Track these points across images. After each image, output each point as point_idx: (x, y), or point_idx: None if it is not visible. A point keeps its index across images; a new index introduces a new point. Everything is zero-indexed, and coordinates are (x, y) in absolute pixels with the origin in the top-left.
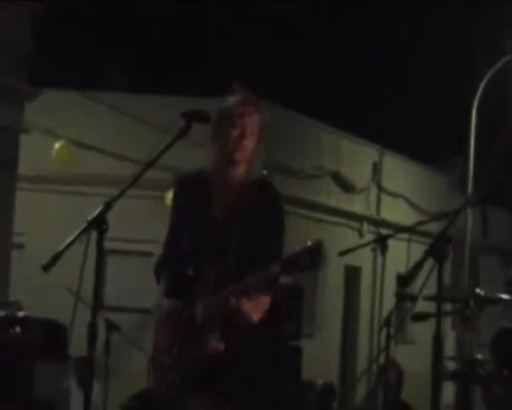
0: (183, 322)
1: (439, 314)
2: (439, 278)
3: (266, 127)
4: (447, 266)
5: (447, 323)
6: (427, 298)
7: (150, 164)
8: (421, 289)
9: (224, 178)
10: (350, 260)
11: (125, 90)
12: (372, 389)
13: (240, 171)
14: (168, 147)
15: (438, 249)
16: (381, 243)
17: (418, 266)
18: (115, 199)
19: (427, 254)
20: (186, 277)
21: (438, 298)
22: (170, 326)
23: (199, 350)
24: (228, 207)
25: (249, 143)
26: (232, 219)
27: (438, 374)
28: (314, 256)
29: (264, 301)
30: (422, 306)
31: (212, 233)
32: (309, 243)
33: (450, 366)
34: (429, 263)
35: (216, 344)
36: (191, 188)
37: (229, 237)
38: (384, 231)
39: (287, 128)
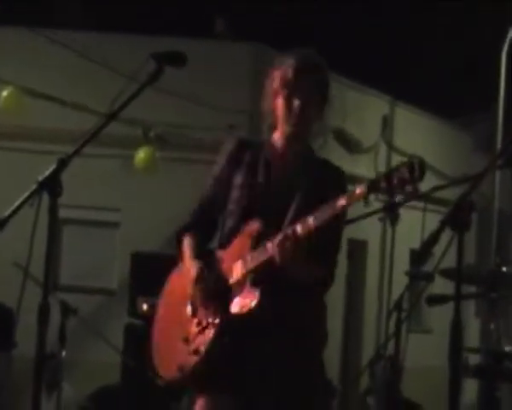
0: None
1: (458, 296)
2: (460, 253)
3: (329, 91)
4: (471, 239)
5: (470, 308)
6: (445, 273)
7: (113, 116)
8: (436, 266)
9: (289, 149)
10: (354, 232)
11: (84, 28)
12: (366, 388)
13: (300, 141)
14: (135, 96)
15: (457, 217)
16: (390, 212)
17: (434, 238)
18: (71, 156)
19: (444, 224)
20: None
21: (457, 276)
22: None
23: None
24: (288, 179)
25: (310, 112)
26: (292, 191)
27: (456, 368)
28: (414, 169)
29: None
30: (441, 287)
31: (269, 202)
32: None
33: (473, 359)
34: (448, 235)
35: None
36: (250, 154)
37: (287, 208)
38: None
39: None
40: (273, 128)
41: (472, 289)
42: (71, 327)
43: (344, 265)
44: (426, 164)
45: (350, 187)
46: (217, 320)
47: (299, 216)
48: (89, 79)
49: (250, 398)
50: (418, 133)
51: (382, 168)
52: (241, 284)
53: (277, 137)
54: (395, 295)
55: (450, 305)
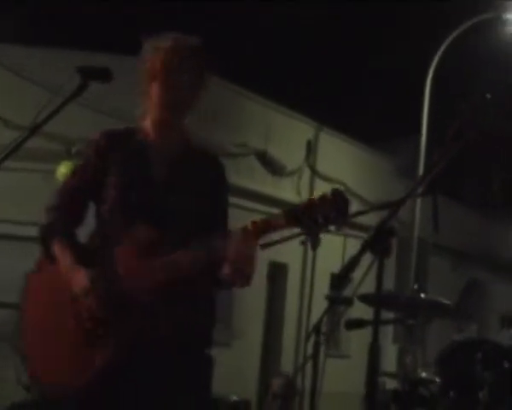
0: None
1: (377, 320)
2: (379, 277)
3: (208, 75)
4: (391, 265)
5: (389, 334)
6: (364, 298)
7: (35, 130)
8: (355, 291)
9: (161, 136)
10: (275, 255)
11: (6, 41)
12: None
13: (180, 128)
14: (58, 110)
15: (377, 242)
16: (311, 236)
17: (354, 261)
18: None
19: (364, 247)
20: (104, 237)
21: (376, 301)
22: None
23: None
24: (168, 169)
25: (186, 97)
26: (174, 181)
27: (372, 393)
28: (339, 204)
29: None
30: (361, 312)
31: (150, 194)
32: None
33: (390, 384)
34: (368, 261)
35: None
36: (121, 146)
37: (170, 200)
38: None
39: (205, 95)
40: (146, 115)
41: (390, 315)
42: None
43: (264, 287)
44: (348, 200)
45: (273, 210)
46: (110, 332)
47: (182, 216)
48: (10, 92)
49: None
50: (342, 159)
51: (305, 192)
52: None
53: (149, 124)
54: (314, 319)
55: (369, 331)
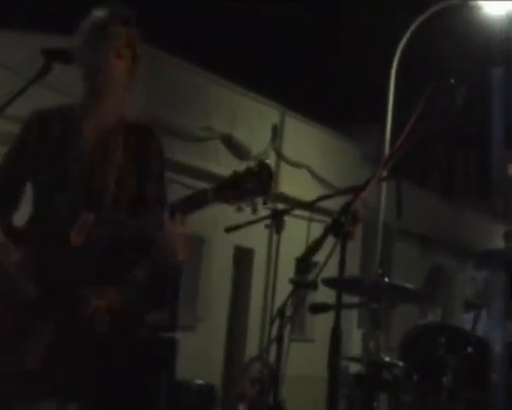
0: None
1: (338, 304)
2: (342, 261)
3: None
4: (356, 250)
5: (354, 319)
6: (327, 282)
7: None
8: (319, 274)
9: (95, 110)
10: (241, 240)
11: None
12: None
13: (115, 102)
14: (21, 92)
15: (340, 225)
16: (275, 219)
17: (316, 245)
18: None
19: (327, 231)
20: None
21: (338, 284)
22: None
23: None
24: (101, 145)
25: (123, 66)
26: (108, 158)
27: (334, 377)
28: (261, 176)
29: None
30: (326, 297)
31: (83, 173)
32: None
33: (355, 368)
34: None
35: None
36: (53, 125)
37: (105, 178)
38: (282, 207)
39: (169, 78)
40: (87, 89)
41: (355, 299)
42: None
43: (230, 271)
44: (272, 172)
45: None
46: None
47: (118, 194)
48: None
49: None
50: (307, 143)
51: None
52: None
53: (86, 98)
54: (279, 303)
55: (333, 315)
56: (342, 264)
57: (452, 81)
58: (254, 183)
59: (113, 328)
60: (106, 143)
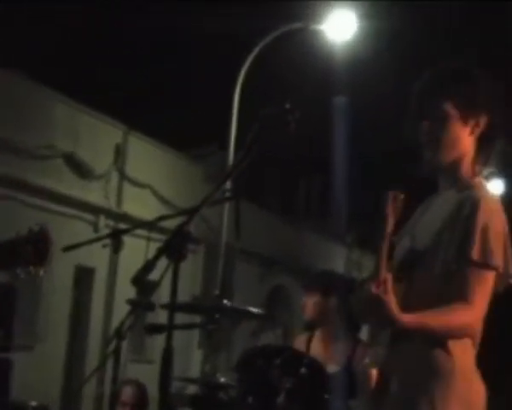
0: None
1: (170, 325)
2: (174, 282)
3: None
4: (199, 272)
5: (195, 339)
6: (162, 306)
7: None
8: (149, 294)
9: None
10: (82, 259)
11: None
12: None
13: None
14: None
15: (173, 246)
16: (113, 238)
17: (149, 265)
18: None
19: (159, 252)
20: None
21: (171, 305)
22: None
23: None
24: None
25: None
26: None
27: (165, 398)
28: (39, 245)
29: None
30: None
31: None
32: (33, 228)
33: (192, 389)
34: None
35: None
36: None
37: None
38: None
39: (8, 93)
40: None
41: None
42: None
43: (70, 291)
44: (49, 236)
45: (80, 213)
46: None
47: None
48: None
49: None
50: (151, 163)
51: (113, 196)
52: None
53: None
54: (117, 323)
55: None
56: (174, 285)
57: (287, 106)
58: (29, 251)
59: None
60: None
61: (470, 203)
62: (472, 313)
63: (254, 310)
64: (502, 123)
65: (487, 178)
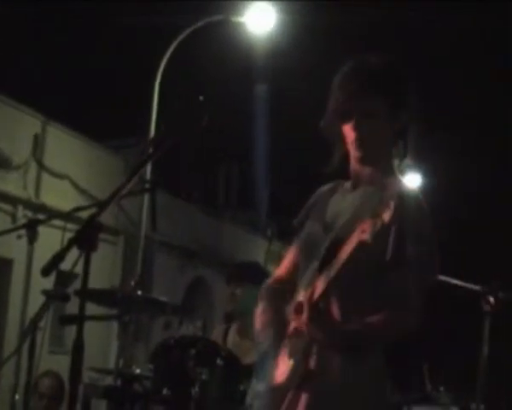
0: None
1: (81, 315)
2: (85, 272)
3: None
4: (118, 263)
5: (114, 331)
6: (77, 293)
7: None
8: (61, 284)
9: None
10: (0, 251)
11: None
12: None
13: None
14: None
15: (84, 237)
16: (29, 229)
17: (59, 256)
18: None
19: (70, 243)
20: None
21: (81, 295)
22: None
23: None
24: None
25: None
26: None
27: (75, 390)
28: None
29: None
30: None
31: None
32: None
33: (108, 380)
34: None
35: None
36: None
37: None
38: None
39: None
40: None
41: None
42: None
43: None
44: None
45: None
46: None
47: None
48: None
49: None
50: (70, 154)
51: (32, 186)
52: None
53: None
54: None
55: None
56: (85, 275)
57: (201, 98)
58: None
59: None
60: None
61: (391, 200)
62: None
63: (164, 299)
64: (417, 117)
65: (405, 171)
